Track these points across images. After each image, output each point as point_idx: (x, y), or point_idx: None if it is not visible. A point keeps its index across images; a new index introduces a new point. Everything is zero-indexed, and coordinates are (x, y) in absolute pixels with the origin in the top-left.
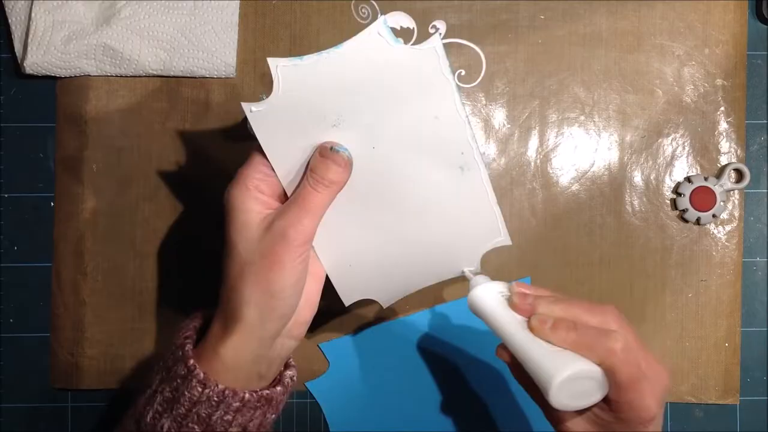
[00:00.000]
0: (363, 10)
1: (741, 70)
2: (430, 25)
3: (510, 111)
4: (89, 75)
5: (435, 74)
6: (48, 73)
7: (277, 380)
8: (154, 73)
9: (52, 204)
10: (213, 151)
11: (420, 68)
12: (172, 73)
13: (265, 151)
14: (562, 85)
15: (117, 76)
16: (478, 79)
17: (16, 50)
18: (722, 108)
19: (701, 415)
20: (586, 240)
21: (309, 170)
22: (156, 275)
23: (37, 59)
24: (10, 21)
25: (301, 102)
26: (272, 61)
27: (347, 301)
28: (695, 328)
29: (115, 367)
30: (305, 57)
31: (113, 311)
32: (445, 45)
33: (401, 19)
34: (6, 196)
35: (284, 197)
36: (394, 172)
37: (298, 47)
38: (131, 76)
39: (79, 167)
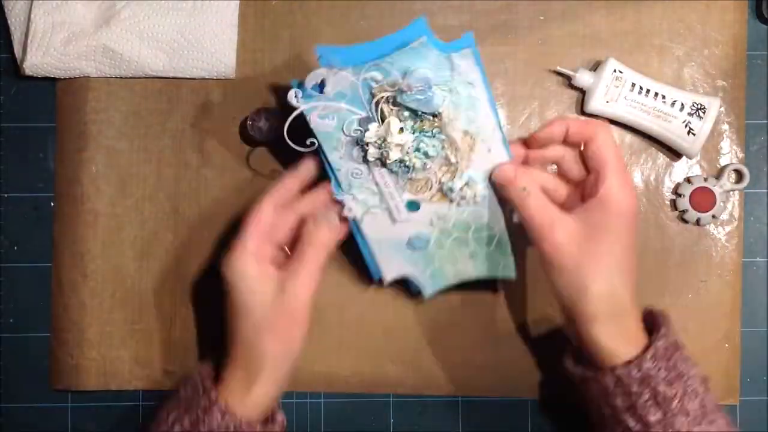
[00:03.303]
0: None
1: (741, 71)
2: None
3: (510, 111)
4: (89, 76)
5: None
6: (47, 75)
7: (270, 419)
8: (154, 74)
9: (52, 204)
10: (213, 152)
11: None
12: (171, 74)
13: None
14: (561, 85)
15: (117, 77)
16: None
17: (15, 52)
18: (722, 108)
19: None
20: None
21: (306, 237)
22: (156, 276)
23: (37, 61)
24: (9, 22)
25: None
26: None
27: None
28: (695, 329)
29: (114, 368)
30: None
31: (113, 312)
32: None
33: None
34: (6, 196)
35: (281, 252)
36: None
37: (297, 47)
38: (131, 77)
39: (79, 167)
